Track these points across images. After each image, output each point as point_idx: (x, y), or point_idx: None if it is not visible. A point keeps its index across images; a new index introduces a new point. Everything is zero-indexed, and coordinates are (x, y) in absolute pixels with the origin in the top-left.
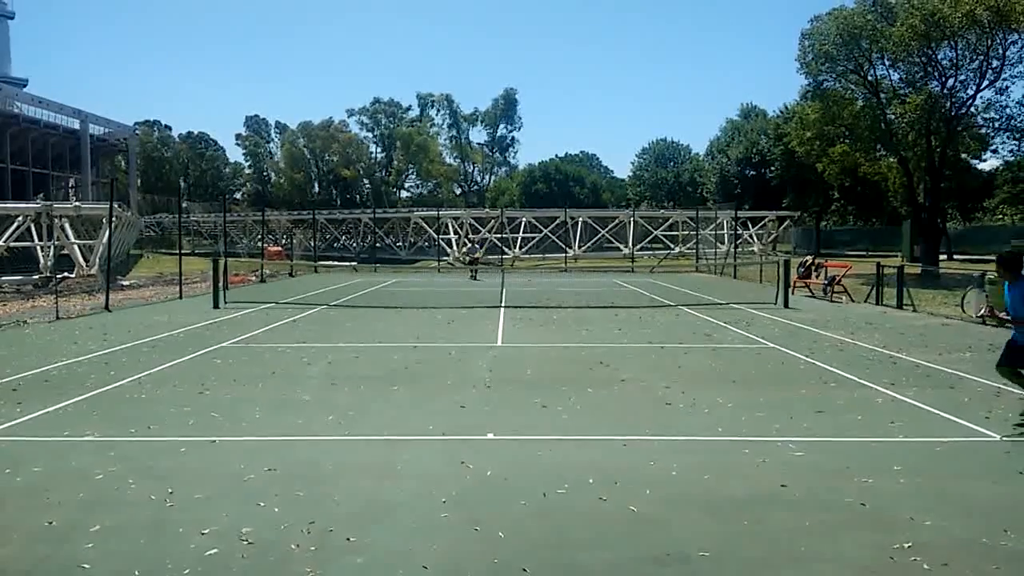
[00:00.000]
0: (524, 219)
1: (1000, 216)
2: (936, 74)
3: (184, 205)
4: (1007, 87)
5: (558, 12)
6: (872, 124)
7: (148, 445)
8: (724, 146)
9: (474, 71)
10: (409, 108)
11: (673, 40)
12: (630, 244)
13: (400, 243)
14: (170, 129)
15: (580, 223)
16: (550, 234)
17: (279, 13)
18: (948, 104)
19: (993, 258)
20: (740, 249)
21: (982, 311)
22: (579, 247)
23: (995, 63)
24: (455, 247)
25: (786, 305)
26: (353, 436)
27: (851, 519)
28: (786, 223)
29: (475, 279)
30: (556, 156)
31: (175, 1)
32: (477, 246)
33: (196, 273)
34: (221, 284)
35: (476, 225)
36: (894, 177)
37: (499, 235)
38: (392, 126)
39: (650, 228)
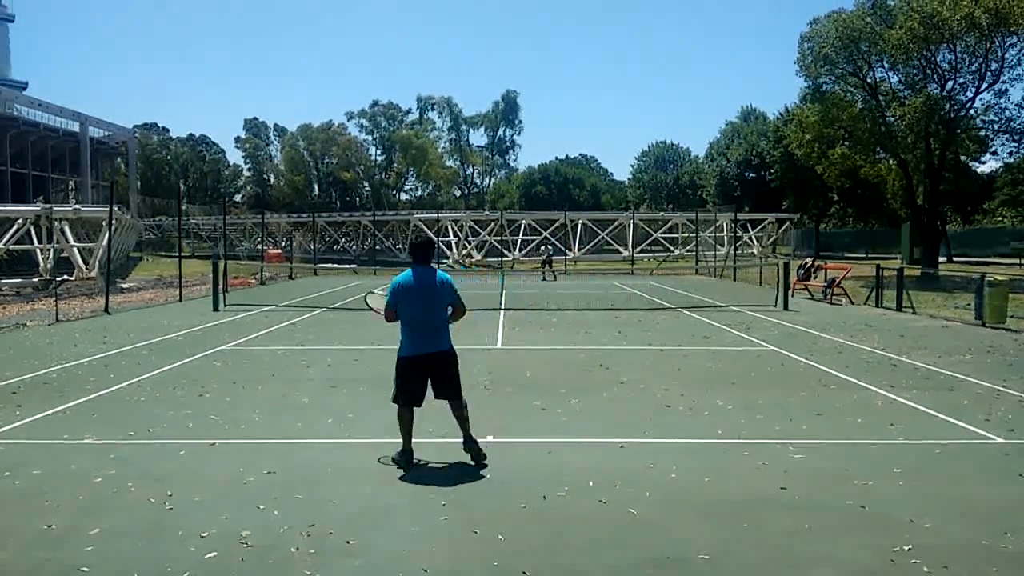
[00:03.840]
0: (524, 222)
1: (1000, 218)
2: (935, 77)
3: (184, 208)
4: (1006, 89)
5: (558, 15)
6: (871, 127)
7: (147, 448)
8: (724, 148)
9: (475, 74)
10: (409, 111)
11: (673, 43)
12: (630, 246)
13: (400, 245)
14: (169, 132)
15: (580, 225)
16: (549, 236)
17: (278, 15)
18: (947, 106)
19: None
20: (740, 252)
21: None
22: (579, 249)
23: (994, 65)
24: (455, 249)
25: (786, 307)
26: (352, 439)
27: (851, 521)
28: (786, 225)
29: (546, 279)
30: (556, 158)
31: (174, 4)
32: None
33: (196, 276)
34: (221, 287)
35: (476, 227)
36: (893, 179)
37: (499, 238)
38: (392, 129)
39: (650, 231)
